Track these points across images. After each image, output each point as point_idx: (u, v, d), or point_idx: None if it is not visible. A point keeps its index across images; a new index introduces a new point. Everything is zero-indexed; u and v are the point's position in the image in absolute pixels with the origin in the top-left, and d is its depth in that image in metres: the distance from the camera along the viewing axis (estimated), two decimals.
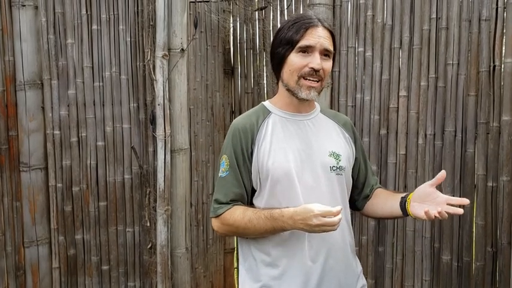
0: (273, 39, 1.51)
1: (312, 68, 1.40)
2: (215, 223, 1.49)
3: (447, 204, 1.35)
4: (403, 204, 1.45)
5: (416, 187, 2.41)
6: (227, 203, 1.46)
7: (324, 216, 1.27)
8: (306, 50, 1.40)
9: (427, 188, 1.41)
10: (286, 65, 1.44)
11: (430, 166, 2.43)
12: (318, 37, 1.40)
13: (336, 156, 1.49)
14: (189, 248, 2.70)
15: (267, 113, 1.52)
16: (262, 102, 1.58)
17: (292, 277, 1.44)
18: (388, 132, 2.52)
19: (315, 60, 1.39)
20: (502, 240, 2.25)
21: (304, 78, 1.42)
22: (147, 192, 2.68)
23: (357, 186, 1.62)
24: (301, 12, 2.79)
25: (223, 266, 3.20)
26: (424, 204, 1.38)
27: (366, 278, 2.57)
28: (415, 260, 2.49)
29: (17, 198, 2.56)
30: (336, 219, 1.27)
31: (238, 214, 1.42)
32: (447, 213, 1.34)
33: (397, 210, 1.47)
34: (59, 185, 2.64)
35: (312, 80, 1.42)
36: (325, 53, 1.43)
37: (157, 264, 2.56)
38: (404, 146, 2.48)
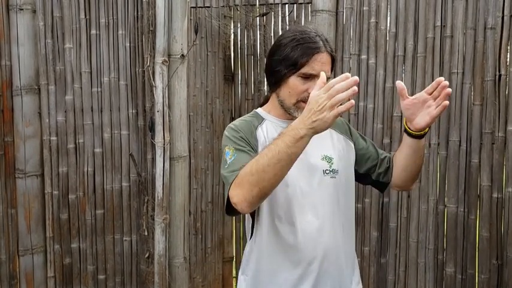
0: (272, 52, 1.47)
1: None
2: (232, 192, 1.29)
3: (428, 94, 1.35)
4: (406, 133, 1.45)
5: (419, 197, 2.41)
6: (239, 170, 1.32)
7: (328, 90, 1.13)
8: (308, 76, 1.40)
9: (404, 105, 1.40)
10: (286, 85, 1.43)
11: (434, 176, 2.39)
12: (322, 64, 1.39)
13: (328, 160, 1.49)
14: (187, 258, 2.65)
15: (260, 119, 1.52)
16: (255, 110, 1.58)
17: (285, 280, 1.44)
18: (391, 141, 2.48)
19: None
20: (507, 252, 2.21)
21: (302, 102, 1.41)
22: (145, 200, 2.64)
23: (373, 169, 1.60)
24: (302, 20, 2.76)
25: (222, 276, 3.15)
26: (418, 115, 1.39)
27: None
28: (418, 272, 2.44)
29: (12, 205, 2.52)
30: (345, 82, 1.11)
31: (249, 163, 1.27)
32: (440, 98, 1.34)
33: (411, 142, 1.46)
34: (55, 192, 2.59)
35: None
36: None
37: (154, 274, 2.52)
38: None
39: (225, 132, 1.46)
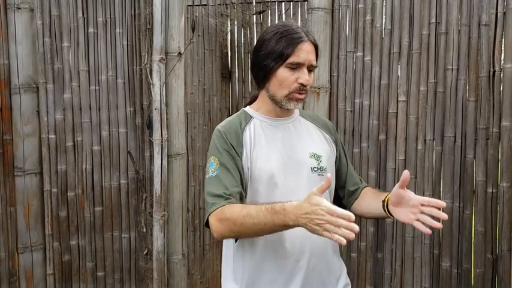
0: (257, 49, 1.50)
1: (301, 83, 1.44)
2: (211, 220, 1.36)
3: (423, 205, 1.33)
4: (384, 207, 1.46)
5: (416, 193, 2.41)
6: (224, 196, 1.37)
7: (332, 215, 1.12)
8: (296, 66, 1.44)
9: (397, 191, 1.39)
10: (275, 78, 1.46)
11: (430, 172, 2.41)
12: (307, 53, 1.44)
13: (317, 157, 1.52)
14: (185, 254, 2.67)
15: (248, 118, 1.54)
16: (243, 108, 1.61)
17: (275, 278, 1.45)
18: (387, 137, 2.49)
19: (304, 76, 1.43)
20: (502, 246, 2.23)
21: (293, 93, 1.45)
22: (144, 197, 2.65)
23: (340, 184, 1.65)
24: (299, 18, 2.78)
25: (220, 272, 3.16)
26: (402, 208, 1.38)
27: (365, 285, 2.57)
28: (414, 267, 2.46)
29: (11, 203, 2.53)
30: (346, 222, 1.11)
31: (236, 207, 1.32)
32: (432, 216, 1.32)
33: (383, 213, 1.47)
34: (54, 190, 2.61)
35: (300, 93, 1.46)
36: (310, 69, 1.47)
37: (153, 270, 2.54)
38: (404, 152, 2.46)
39: (213, 137, 1.49)
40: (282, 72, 1.44)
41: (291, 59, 1.42)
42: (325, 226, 1.12)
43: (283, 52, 1.42)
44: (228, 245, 1.54)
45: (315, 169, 1.50)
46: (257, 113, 1.54)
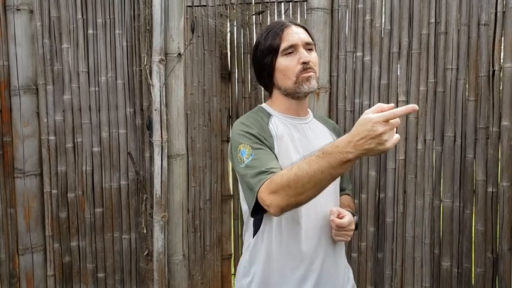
0: (253, 55, 1.52)
1: (302, 62, 1.43)
2: (263, 196, 1.24)
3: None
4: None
5: (415, 193, 2.43)
6: (267, 171, 1.26)
7: (387, 121, 1.06)
8: (290, 50, 1.43)
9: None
10: (278, 71, 1.45)
11: (430, 171, 2.41)
12: (296, 34, 1.44)
13: None
14: (186, 255, 2.67)
15: (268, 114, 1.52)
16: (260, 105, 1.58)
17: (289, 279, 1.45)
18: None
19: (302, 55, 1.43)
20: (502, 246, 2.23)
21: (301, 74, 1.44)
22: (144, 198, 2.65)
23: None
24: (298, 18, 2.78)
25: (221, 273, 3.17)
26: None
27: (365, 285, 2.57)
28: (414, 267, 2.47)
29: (11, 204, 2.53)
30: (404, 108, 1.08)
31: (284, 171, 1.21)
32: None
33: None
34: (54, 191, 2.60)
35: (306, 72, 1.44)
36: (308, 47, 1.46)
37: (154, 271, 2.53)
38: (404, 151, 2.46)
39: (236, 129, 1.43)
40: (281, 62, 1.44)
41: (282, 45, 1.43)
42: (388, 132, 1.06)
43: (272, 44, 1.43)
44: (247, 244, 1.53)
45: None
46: (275, 111, 1.52)
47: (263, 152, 1.33)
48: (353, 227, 1.46)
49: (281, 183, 1.19)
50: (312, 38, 1.49)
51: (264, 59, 1.46)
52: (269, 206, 1.23)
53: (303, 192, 1.17)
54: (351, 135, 1.09)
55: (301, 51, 1.43)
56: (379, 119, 1.05)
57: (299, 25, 1.48)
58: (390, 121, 1.06)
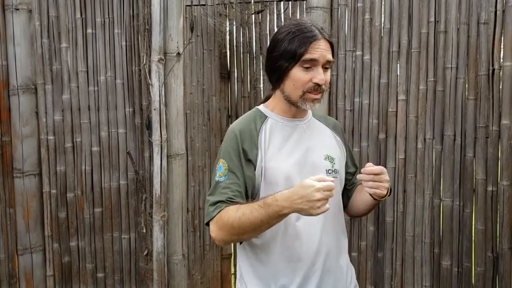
0: (270, 50, 1.47)
1: (316, 83, 1.40)
2: (212, 227, 1.36)
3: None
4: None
5: (415, 192, 2.43)
6: (224, 202, 1.36)
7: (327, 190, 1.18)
8: (309, 64, 1.40)
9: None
10: (290, 79, 1.42)
11: (430, 170, 2.41)
12: (321, 50, 1.39)
13: (331, 160, 1.50)
14: (185, 255, 2.67)
15: (263, 117, 1.50)
16: (257, 107, 1.56)
17: (290, 281, 1.44)
18: (387, 136, 2.49)
19: (319, 76, 1.39)
20: (502, 245, 2.23)
21: (308, 93, 1.42)
22: (143, 198, 2.65)
23: (347, 188, 1.63)
24: (297, 17, 2.77)
25: (220, 272, 3.17)
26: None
27: (366, 285, 2.57)
28: (414, 266, 2.46)
29: (10, 204, 2.53)
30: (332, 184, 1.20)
31: (232, 210, 1.31)
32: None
33: (371, 201, 1.50)
34: (53, 191, 2.60)
35: (316, 93, 1.43)
36: (326, 66, 1.43)
37: (153, 271, 2.53)
38: (404, 151, 2.46)
39: (227, 138, 1.45)
40: (296, 73, 1.40)
41: (305, 57, 1.38)
42: (322, 205, 1.18)
43: (296, 52, 1.38)
44: (244, 246, 1.52)
45: (330, 171, 1.48)
46: (272, 113, 1.51)
47: (234, 178, 1.39)
48: (387, 178, 1.41)
49: (227, 223, 1.31)
50: (332, 55, 1.45)
51: (280, 61, 1.41)
52: (214, 238, 1.38)
53: (244, 233, 1.32)
54: (290, 192, 1.21)
55: (319, 70, 1.40)
56: (321, 188, 1.17)
57: (327, 40, 1.43)
58: (326, 193, 1.18)
